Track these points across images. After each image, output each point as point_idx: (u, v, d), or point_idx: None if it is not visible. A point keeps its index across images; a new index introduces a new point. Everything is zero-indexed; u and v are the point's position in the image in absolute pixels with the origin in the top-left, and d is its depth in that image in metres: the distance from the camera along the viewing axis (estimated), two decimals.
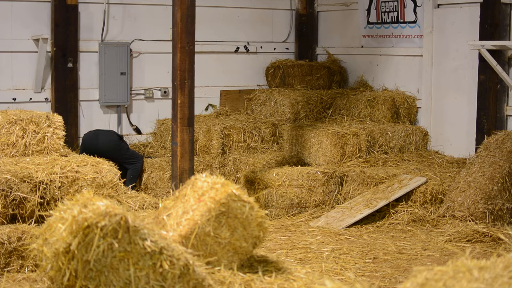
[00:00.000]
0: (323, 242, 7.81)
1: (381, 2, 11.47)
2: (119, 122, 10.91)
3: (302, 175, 9.15)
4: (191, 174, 7.75)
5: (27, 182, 6.06)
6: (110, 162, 6.71)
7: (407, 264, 7.02)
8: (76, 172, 6.30)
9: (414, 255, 7.36)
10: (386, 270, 6.83)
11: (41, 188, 6.10)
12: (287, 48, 12.56)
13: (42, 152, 6.90)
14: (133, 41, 10.96)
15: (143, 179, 9.74)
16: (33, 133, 6.89)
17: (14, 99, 10.14)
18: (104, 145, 9.38)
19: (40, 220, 6.04)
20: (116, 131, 10.56)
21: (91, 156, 6.83)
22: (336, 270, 6.76)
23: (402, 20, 11.20)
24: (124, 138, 10.00)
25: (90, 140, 9.48)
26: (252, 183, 9.25)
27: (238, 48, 12.01)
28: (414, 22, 11.00)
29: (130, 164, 9.47)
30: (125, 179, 7.04)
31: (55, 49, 10.19)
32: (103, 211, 3.86)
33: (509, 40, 9.72)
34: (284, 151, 10.58)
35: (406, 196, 8.79)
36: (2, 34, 10.06)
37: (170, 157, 8.82)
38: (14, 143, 6.84)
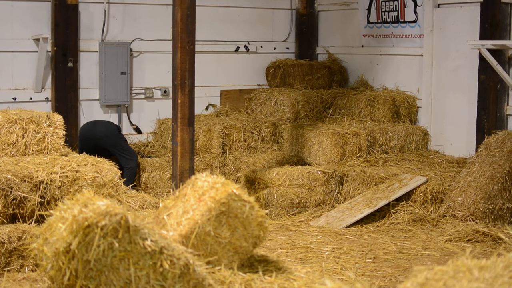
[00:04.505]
0: (323, 242, 7.81)
1: (382, 1, 11.46)
2: (120, 122, 10.91)
3: (302, 175, 9.15)
4: (192, 173, 7.75)
5: (28, 181, 6.06)
6: (110, 161, 6.71)
7: (407, 264, 7.02)
8: (77, 171, 6.30)
9: (415, 254, 7.36)
10: (387, 270, 6.83)
11: (41, 187, 6.10)
12: (288, 48, 12.56)
13: (42, 152, 6.89)
14: (133, 40, 10.96)
15: (144, 179, 9.74)
16: (34, 132, 6.89)
17: (15, 98, 10.14)
18: (102, 133, 9.44)
19: (41, 220, 6.04)
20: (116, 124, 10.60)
21: (91, 156, 6.82)
22: (337, 269, 6.76)
23: (402, 20, 11.20)
24: (123, 133, 10.06)
25: (88, 129, 9.55)
26: (252, 183, 9.25)
27: (238, 47, 12.01)
28: (415, 21, 10.99)
29: (125, 159, 9.45)
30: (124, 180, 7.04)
31: (55, 48, 10.19)
32: (104, 210, 3.86)
33: (510, 39, 9.72)
34: (284, 150, 10.58)
35: (407, 196, 8.79)
36: (3, 34, 10.06)
37: (171, 157, 8.83)
38: (14, 143, 6.84)
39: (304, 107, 11.22)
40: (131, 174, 9.48)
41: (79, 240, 3.83)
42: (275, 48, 12.40)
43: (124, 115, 11.03)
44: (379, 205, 8.64)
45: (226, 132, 10.44)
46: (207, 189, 4.54)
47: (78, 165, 6.39)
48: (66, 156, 6.84)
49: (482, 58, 9.71)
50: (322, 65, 12.09)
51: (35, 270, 5.54)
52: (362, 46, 11.97)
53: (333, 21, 12.50)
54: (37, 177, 6.11)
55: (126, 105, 10.99)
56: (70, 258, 3.86)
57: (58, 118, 7.10)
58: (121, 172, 6.80)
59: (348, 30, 12.22)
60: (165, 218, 4.58)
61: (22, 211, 6.06)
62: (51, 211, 4.14)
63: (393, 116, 10.91)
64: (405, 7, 11.12)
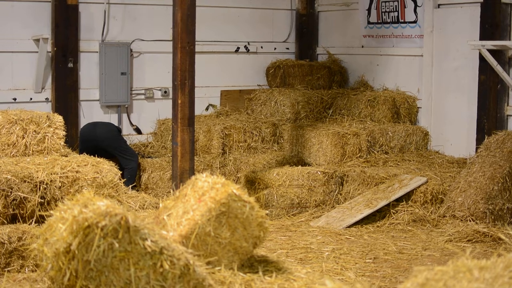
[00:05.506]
0: (323, 242, 7.81)
1: (382, 2, 11.47)
2: (120, 122, 10.91)
3: (302, 175, 9.15)
4: (192, 174, 7.75)
5: (28, 182, 6.06)
6: (110, 162, 6.71)
7: (407, 264, 7.02)
8: (77, 172, 6.30)
9: (415, 255, 7.36)
10: (387, 270, 6.83)
11: (41, 188, 6.10)
12: (288, 48, 12.56)
13: (42, 152, 6.89)
14: (133, 41, 10.96)
15: (144, 179, 9.75)
16: (34, 133, 6.89)
17: (15, 99, 10.15)
18: (103, 135, 9.46)
19: (41, 220, 6.04)
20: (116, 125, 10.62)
21: (92, 156, 6.82)
22: (337, 270, 6.76)
23: (402, 20, 11.20)
24: (123, 134, 10.09)
25: (88, 130, 9.56)
26: (252, 183, 9.25)
27: (238, 48, 12.01)
28: (415, 22, 11.00)
29: (125, 159, 9.47)
30: (124, 180, 7.04)
31: (55, 49, 10.19)
32: (104, 211, 3.86)
33: (510, 40, 9.72)
34: (284, 151, 10.58)
35: (407, 196, 8.79)
36: (3, 34, 10.06)
37: (171, 157, 8.83)
38: (15, 143, 6.83)
39: (304, 108, 11.22)
40: (132, 175, 9.49)
41: (79, 240, 3.83)
42: (275, 49, 12.40)
43: (124, 115, 11.03)
44: (379, 206, 8.64)
45: (226, 133, 10.44)
46: (207, 189, 4.54)
47: (78, 166, 6.39)
48: (66, 156, 6.84)
49: (482, 59, 9.71)
50: (322, 66, 12.09)
51: (35, 271, 5.54)
52: (362, 46, 11.97)
53: (333, 21, 12.51)
54: (37, 177, 6.11)
55: (126, 106, 10.99)
56: (70, 259, 3.86)
57: (58, 119, 7.10)
58: (121, 172, 6.80)
59: (348, 30, 12.22)
60: (165, 219, 4.58)
61: (22, 212, 6.06)
62: (51, 212, 4.14)
63: (393, 116, 10.91)
64: (405, 7, 11.12)
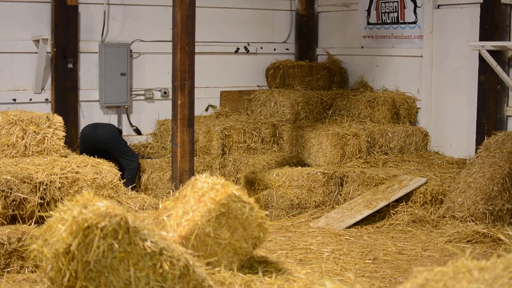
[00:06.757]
0: (323, 243, 7.81)
1: (381, 2, 11.47)
2: (119, 123, 10.91)
3: (302, 176, 9.16)
4: (191, 174, 7.75)
5: (27, 183, 6.06)
6: (110, 162, 6.71)
7: (407, 265, 7.03)
8: (76, 172, 6.30)
9: (414, 255, 7.36)
10: (386, 271, 6.83)
11: (41, 188, 6.10)
12: (287, 49, 12.56)
13: (42, 153, 6.89)
14: (133, 41, 10.96)
15: (143, 180, 9.75)
16: (33, 133, 6.89)
17: (14, 99, 10.15)
18: (103, 136, 9.47)
19: (40, 221, 6.04)
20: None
21: (91, 157, 6.83)
22: (336, 270, 6.76)
23: (402, 21, 11.20)
24: (122, 134, 10.11)
25: (89, 132, 9.57)
26: (252, 184, 9.25)
27: (238, 48, 12.01)
28: (414, 22, 11.00)
29: (126, 160, 9.49)
30: (124, 180, 7.05)
31: (55, 49, 10.19)
32: (103, 211, 3.86)
33: (509, 40, 9.72)
34: (284, 151, 10.58)
35: (406, 197, 8.79)
36: (2, 35, 10.06)
37: (170, 158, 8.83)
38: (14, 144, 6.84)
39: (304, 108, 11.22)
40: (132, 175, 9.50)
41: (79, 241, 3.83)
42: (275, 49, 12.40)
43: (124, 116, 11.03)
44: (379, 206, 8.64)
45: (226, 133, 10.44)
46: (207, 190, 4.54)
47: (78, 166, 6.39)
48: (66, 157, 6.84)
49: (482, 59, 9.72)
50: (322, 66, 12.09)
51: (35, 271, 5.54)
52: (362, 47, 11.98)
53: (333, 22, 12.51)
54: (37, 178, 6.12)
55: (126, 106, 10.99)
56: (70, 259, 3.86)
57: (58, 119, 7.10)
58: (121, 173, 6.80)
59: (348, 31, 12.23)
60: (165, 219, 4.58)
61: (22, 212, 6.06)
62: (51, 212, 4.15)
63: (393, 117, 10.91)
64: (405, 8, 11.12)
